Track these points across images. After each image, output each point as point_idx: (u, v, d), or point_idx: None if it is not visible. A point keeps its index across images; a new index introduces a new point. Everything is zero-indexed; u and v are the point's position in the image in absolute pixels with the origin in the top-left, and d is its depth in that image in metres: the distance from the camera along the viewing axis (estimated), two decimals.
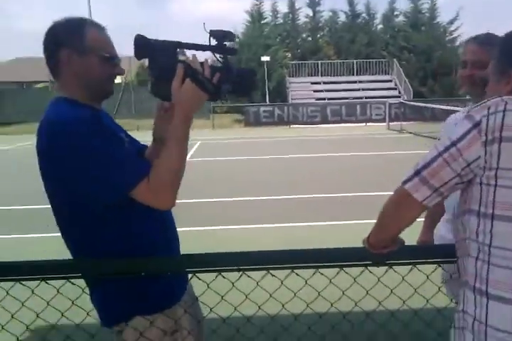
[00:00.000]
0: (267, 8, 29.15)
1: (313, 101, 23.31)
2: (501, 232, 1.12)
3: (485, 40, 1.88)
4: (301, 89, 24.89)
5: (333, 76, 25.84)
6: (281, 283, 1.46)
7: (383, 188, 6.29)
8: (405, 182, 1.18)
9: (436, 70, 25.65)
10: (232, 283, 1.47)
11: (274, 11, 28.48)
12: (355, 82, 25.26)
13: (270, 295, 1.62)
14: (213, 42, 1.37)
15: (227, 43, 1.37)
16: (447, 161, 1.14)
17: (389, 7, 28.99)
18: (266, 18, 28.46)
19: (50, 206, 1.44)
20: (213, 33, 1.36)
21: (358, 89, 24.63)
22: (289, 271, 1.42)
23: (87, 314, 1.51)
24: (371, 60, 26.10)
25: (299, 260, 1.47)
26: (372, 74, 26.02)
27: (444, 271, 1.84)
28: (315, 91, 24.85)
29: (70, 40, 1.39)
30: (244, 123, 21.97)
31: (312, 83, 25.45)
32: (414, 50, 26.58)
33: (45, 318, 1.63)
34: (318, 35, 28.59)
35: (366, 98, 23.09)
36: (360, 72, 26.01)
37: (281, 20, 28.61)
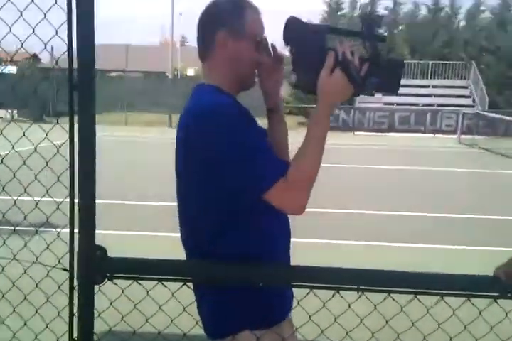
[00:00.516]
0: None
1: (380, 105, 22.52)
2: None
3: None
4: None
5: (404, 78, 24.72)
6: (401, 309, 1.36)
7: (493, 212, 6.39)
8: None
9: None
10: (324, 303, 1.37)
11: (353, 2, 27.66)
12: (427, 86, 23.85)
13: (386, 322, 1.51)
14: (361, 28, 1.23)
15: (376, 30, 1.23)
16: None
17: (475, 2, 27.13)
18: (344, 9, 27.79)
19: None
20: (364, 18, 1.24)
21: (430, 95, 23.40)
22: (412, 296, 1.30)
23: (196, 323, 1.44)
24: (447, 62, 24.27)
25: (423, 284, 1.33)
26: (447, 79, 24.33)
27: None
28: (383, 94, 23.83)
29: (230, 22, 1.31)
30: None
31: None
32: (497, 53, 24.41)
33: (155, 324, 1.60)
34: (396, 31, 26.97)
35: (437, 106, 22.05)
36: (433, 76, 24.44)
37: (360, 11, 27.33)
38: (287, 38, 1.25)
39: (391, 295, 1.32)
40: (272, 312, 1.37)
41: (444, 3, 27.38)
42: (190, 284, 1.37)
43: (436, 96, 23.25)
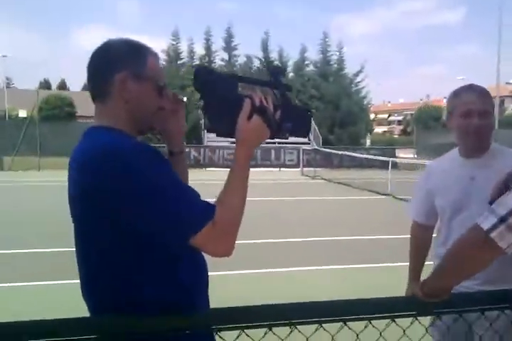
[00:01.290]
0: (183, 48, 29.62)
1: (228, 143, 23.50)
2: None
3: (484, 91, 1.97)
4: None
5: None
6: (332, 338, 1.31)
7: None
8: (490, 230, 1.13)
9: (343, 119, 27.50)
10: None
11: (191, 52, 29.02)
12: None
13: None
14: (268, 77, 1.31)
15: (282, 79, 1.31)
16: None
17: (300, 56, 30.95)
18: (183, 58, 28.85)
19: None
20: (271, 69, 1.32)
21: None
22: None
23: None
24: None
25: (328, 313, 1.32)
26: None
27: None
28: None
29: (131, 64, 1.23)
30: None
31: None
32: (323, 99, 28.41)
33: None
34: None
35: (279, 143, 23.84)
36: None
37: (198, 62, 29.12)
38: (197, 85, 1.24)
39: (322, 325, 1.28)
40: None
41: (273, 56, 30.63)
42: None
43: None
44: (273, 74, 1.31)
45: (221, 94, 1.22)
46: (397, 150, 25.17)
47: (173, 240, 1.15)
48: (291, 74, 30.68)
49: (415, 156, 27.42)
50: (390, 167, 13.27)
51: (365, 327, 1.34)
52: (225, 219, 1.15)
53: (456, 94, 2.00)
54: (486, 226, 1.14)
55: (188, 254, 1.24)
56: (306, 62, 31.16)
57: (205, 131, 23.28)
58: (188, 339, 1.20)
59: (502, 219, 1.13)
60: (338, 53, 30.83)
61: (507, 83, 43.05)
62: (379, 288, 4.34)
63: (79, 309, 1.34)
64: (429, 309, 1.39)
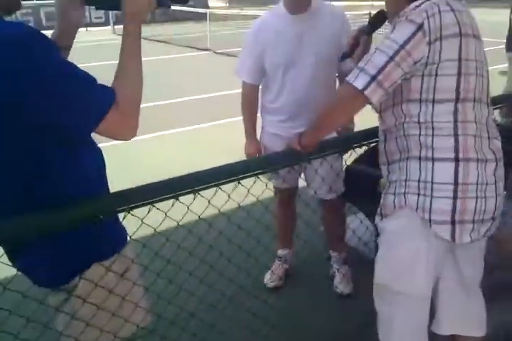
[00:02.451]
0: None
1: None
2: (440, 112, 1.41)
3: None
4: None
5: None
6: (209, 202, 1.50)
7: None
8: (365, 88, 1.33)
9: None
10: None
11: None
12: None
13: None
14: None
15: None
16: (398, 63, 1.33)
17: None
18: None
19: None
20: None
21: None
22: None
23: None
24: None
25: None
26: None
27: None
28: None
29: None
30: None
31: None
32: None
33: None
34: None
35: None
36: None
37: None
38: None
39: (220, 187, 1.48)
40: (116, 238, 1.36)
41: None
42: None
43: None
44: None
45: None
46: None
47: (80, 129, 1.12)
48: None
49: (227, 5, 27.02)
50: (208, 20, 13.01)
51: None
52: (127, 101, 1.15)
53: None
54: (360, 85, 1.35)
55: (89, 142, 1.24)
56: None
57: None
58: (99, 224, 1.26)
59: (373, 77, 1.33)
60: None
61: None
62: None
63: None
64: (304, 158, 1.66)
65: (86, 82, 1.09)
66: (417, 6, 1.37)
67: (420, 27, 1.33)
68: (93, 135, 1.19)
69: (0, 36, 1.00)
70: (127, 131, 1.18)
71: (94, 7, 1.30)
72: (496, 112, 1.99)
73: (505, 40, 5.43)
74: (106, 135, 1.15)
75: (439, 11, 1.35)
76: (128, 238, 1.41)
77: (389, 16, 1.59)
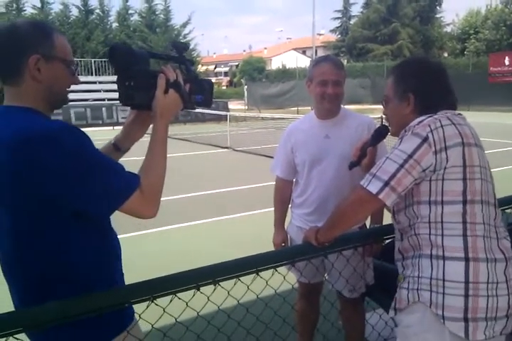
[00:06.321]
0: None
1: None
2: (449, 213, 1.50)
3: (338, 62, 2.34)
4: None
5: None
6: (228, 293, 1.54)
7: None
8: (378, 192, 1.46)
9: None
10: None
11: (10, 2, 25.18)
12: (94, 82, 24.22)
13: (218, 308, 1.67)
14: (174, 53, 1.45)
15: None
16: (408, 171, 1.46)
17: (123, 5, 29.06)
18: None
19: None
20: (175, 45, 1.45)
21: (99, 91, 23.85)
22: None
23: None
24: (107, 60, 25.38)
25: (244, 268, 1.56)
26: (113, 75, 25.28)
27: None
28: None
29: (40, 45, 1.26)
30: None
31: None
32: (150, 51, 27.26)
33: None
34: None
35: (108, 100, 22.57)
36: (98, 72, 25.18)
37: (4, 9, 25.55)
38: (114, 61, 1.34)
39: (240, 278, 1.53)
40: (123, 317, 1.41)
41: (93, 4, 28.22)
42: None
43: (105, 91, 23.74)
44: (178, 50, 1.44)
45: (137, 70, 1.32)
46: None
47: (104, 210, 1.25)
48: (114, 25, 28.96)
49: (246, 108, 28.80)
50: (228, 120, 13.88)
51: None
52: (151, 187, 1.30)
53: (316, 64, 2.36)
54: (374, 189, 1.47)
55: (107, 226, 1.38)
56: (131, 12, 29.55)
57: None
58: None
59: (386, 183, 1.45)
60: (164, 3, 29.70)
61: (318, 34, 46.92)
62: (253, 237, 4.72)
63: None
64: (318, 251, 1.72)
65: (113, 170, 1.25)
66: (420, 122, 1.52)
67: (425, 139, 1.47)
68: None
69: (37, 130, 1.17)
70: (148, 212, 1.32)
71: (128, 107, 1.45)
72: None
73: None
74: (129, 213, 1.29)
75: (442, 125, 1.50)
76: (136, 317, 1.45)
77: (392, 130, 1.75)
